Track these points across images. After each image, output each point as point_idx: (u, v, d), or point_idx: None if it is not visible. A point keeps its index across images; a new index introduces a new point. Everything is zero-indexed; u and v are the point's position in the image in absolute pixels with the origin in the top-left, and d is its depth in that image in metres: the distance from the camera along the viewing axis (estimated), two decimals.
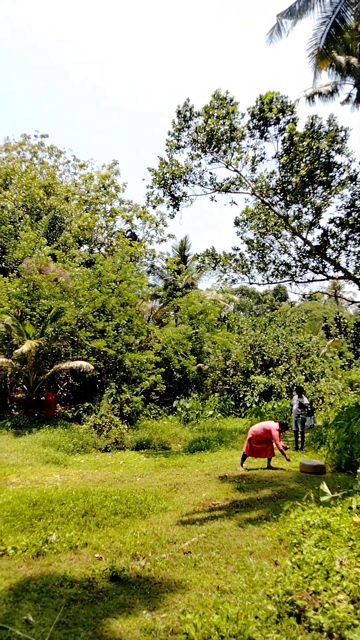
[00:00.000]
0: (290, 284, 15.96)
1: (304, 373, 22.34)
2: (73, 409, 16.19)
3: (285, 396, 20.36)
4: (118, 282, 18.04)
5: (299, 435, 11.38)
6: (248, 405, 20.58)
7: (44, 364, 14.91)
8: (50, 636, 2.44)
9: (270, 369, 22.49)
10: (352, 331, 15.19)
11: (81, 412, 14.43)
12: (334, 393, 21.64)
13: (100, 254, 22.40)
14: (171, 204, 15.36)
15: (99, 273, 17.27)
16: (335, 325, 15.72)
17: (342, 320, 15.48)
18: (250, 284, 16.81)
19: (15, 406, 15.40)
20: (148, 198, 15.34)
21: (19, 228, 19.88)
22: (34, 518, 4.92)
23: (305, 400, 11.54)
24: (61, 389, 17.29)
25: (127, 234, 25.83)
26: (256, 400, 20.72)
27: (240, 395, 21.49)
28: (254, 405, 20.22)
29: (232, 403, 20.79)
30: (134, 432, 13.98)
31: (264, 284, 16.59)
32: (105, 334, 15.91)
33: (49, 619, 2.65)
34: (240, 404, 21.09)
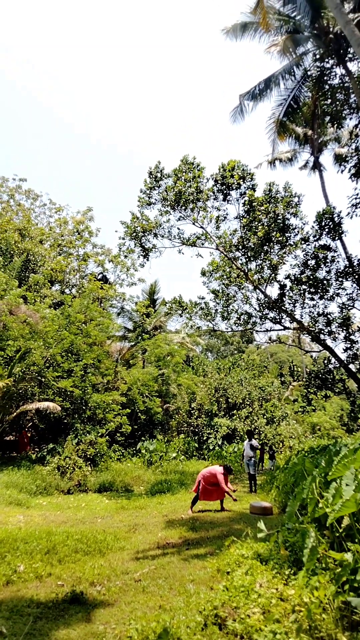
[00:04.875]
0: (251, 332, 17.05)
1: (265, 416, 23.20)
2: (37, 450, 16.28)
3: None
4: (88, 322, 18.67)
5: (252, 478, 12.04)
6: (211, 447, 21.11)
7: (10, 404, 15.13)
8: None
9: (234, 411, 23.25)
10: (303, 379, 16.24)
11: (45, 453, 14.60)
12: (293, 436, 22.51)
13: (70, 295, 23.05)
14: (142, 255, 16.42)
15: (68, 314, 17.89)
16: (289, 373, 16.78)
17: (295, 367, 16.54)
18: (214, 331, 17.84)
19: None
20: (120, 248, 16.38)
21: None
22: (0, 555, 5.35)
23: (255, 443, 12.30)
24: (26, 429, 17.38)
25: (99, 277, 26.70)
26: (219, 442, 21.30)
27: (204, 438, 22.03)
28: (216, 448, 20.80)
29: (196, 445, 21.27)
30: (97, 474, 14.24)
31: (226, 332, 17.62)
32: (72, 374, 16.34)
33: (19, 630, 3.21)
34: (204, 446, 21.59)
